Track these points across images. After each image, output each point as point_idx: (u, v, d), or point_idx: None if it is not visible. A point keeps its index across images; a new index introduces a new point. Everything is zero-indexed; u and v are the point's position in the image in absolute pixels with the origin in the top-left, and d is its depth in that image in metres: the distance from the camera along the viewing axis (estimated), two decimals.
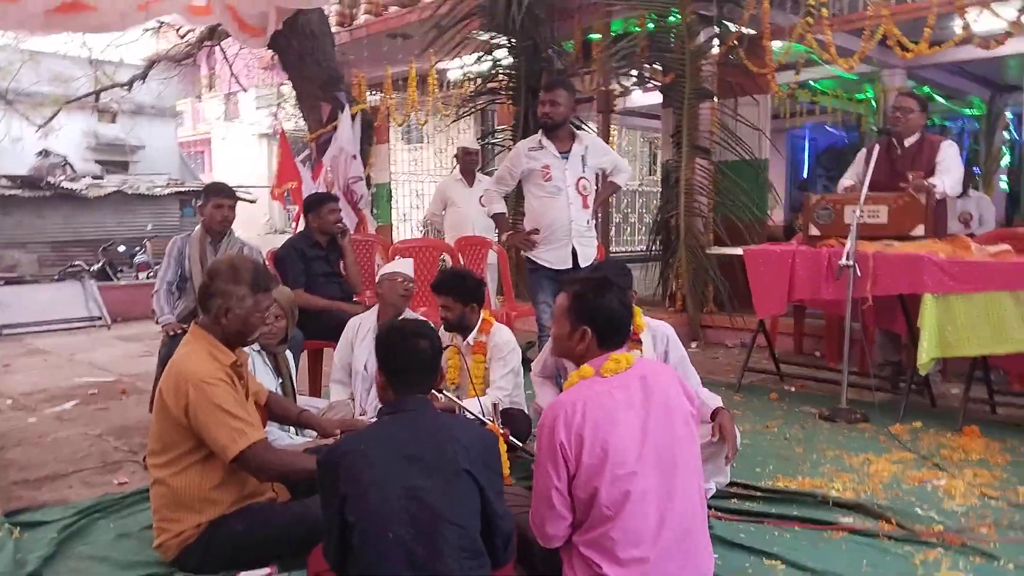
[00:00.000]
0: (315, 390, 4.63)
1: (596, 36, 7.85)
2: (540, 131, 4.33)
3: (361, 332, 3.86)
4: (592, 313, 2.27)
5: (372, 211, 8.54)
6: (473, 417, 3.06)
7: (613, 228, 14.21)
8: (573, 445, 2.10)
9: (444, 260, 6.14)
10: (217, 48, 11.13)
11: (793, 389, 4.99)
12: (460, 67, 8.88)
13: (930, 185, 4.31)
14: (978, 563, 2.53)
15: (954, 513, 2.94)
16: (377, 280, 3.96)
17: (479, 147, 6.64)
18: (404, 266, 3.89)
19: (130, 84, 12.12)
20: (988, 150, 12.00)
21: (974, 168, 12.07)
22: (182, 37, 11.03)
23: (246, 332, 2.58)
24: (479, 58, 7.99)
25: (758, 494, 3.15)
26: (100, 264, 11.98)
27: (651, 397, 2.21)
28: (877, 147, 4.44)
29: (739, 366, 5.10)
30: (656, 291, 7.34)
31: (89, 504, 3.20)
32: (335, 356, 4.01)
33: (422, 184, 12.32)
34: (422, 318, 3.72)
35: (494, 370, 3.63)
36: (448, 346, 3.59)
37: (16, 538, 2.87)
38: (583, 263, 4.25)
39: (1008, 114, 11.76)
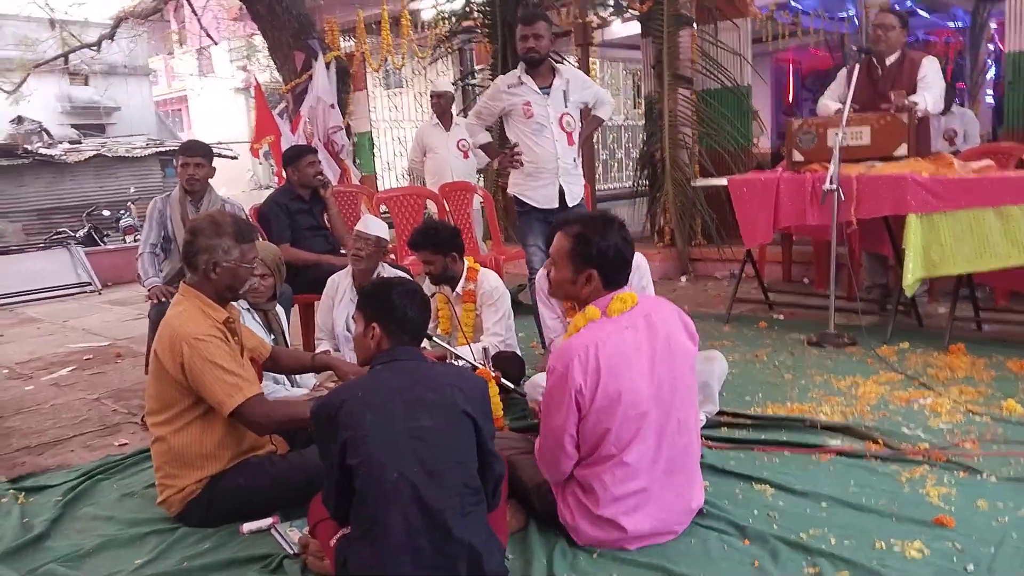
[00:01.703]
0: (308, 343, 4.65)
1: None
2: (520, 67, 4.25)
3: (339, 293, 3.84)
4: (598, 254, 2.24)
5: (355, 161, 8.44)
6: (464, 363, 3.09)
7: (600, 165, 14.11)
8: (588, 389, 2.12)
9: (428, 209, 6.11)
10: (185, 2, 10.84)
11: (782, 317, 5.03)
12: (433, 6, 8.67)
13: (912, 103, 4.28)
14: (962, 477, 2.59)
15: (939, 431, 3.00)
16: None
17: (450, 89, 6.52)
18: (366, 224, 3.79)
19: (99, 44, 11.87)
20: (973, 63, 11.86)
21: (958, 84, 11.96)
22: None
23: (236, 284, 2.59)
24: None
25: (748, 422, 3.20)
26: (86, 229, 11.87)
27: (656, 335, 2.25)
28: (858, 67, 4.38)
29: (729, 297, 5.12)
30: (644, 227, 7.33)
31: (92, 466, 3.25)
32: (317, 317, 4.01)
33: (404, 131, 12.15)
34: (402, 273, 3.73)
35: (486, 317, 3.65)
36: (434, 293, 3.60)
37: (22, 503, 2.93)
38: (571, 202, 4.22)
39: (993, 24, 11.59)
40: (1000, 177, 3.81)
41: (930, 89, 4.41)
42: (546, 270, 2.53)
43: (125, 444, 3.59)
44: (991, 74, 11.88)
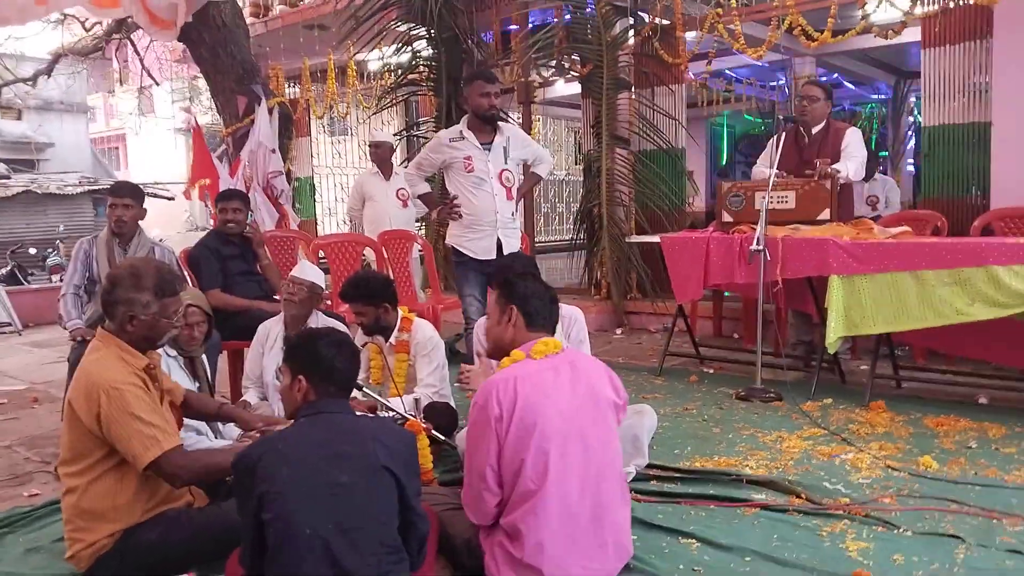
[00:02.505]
0: (236, 391, 4.53)
1: (515, 27, 7.88)
2: (463, 121, 4.33)
3: (270, 340, 3.78)
4: (520, 294, 2.45)
5: (294, 206, 8.40)
6: (395, 414, 3.06)
7: (541, 218, 14.32)
8: (504, 418, 2.19)
9: (365, 257, 6.09)
10: (127, 41, 10.73)
11: (712, 371, 5.14)
12: (380, 58, 8.77)
13: (835, 171, 4.49)
14: (880, 531, 2.66)
15: (860, 485, 3.08)
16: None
17: (388, 140, 6.58)
18: (302, 269, 3.77)
19: (34, 79, 11.62)
20: (895, 133, 12.52)
21: (881, 153, 12.58)
22: (88, 30, 10.60)
23: (154, 337, 2.52)
24: (398, 49, 7.92)
25: (676, 475, 3.23)
26: (9, 268, 11.45)
27: (579, 381, 2.32)
28: (784, 135, 4.59)
29: (661, 351, 5.21)
30: (582, 279, 7.43)
31: None
32: (246, 364, 3.93)
33: (347, 176, 12.14)
34: (334, 322, 3.69)
35: (420, 368, 3.63)
36: (367, 343, 3.58)
37: None
38: (507, 253, 4.27)
39: (913, 99, 12.28)
40: (916, 243, 4.00)
41: (852, 158, 4.64)
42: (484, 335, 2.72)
43: (36, 495, 3.42)
44: (912, 144, 12.53)
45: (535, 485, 2.18)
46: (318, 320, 3.77)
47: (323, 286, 3.81)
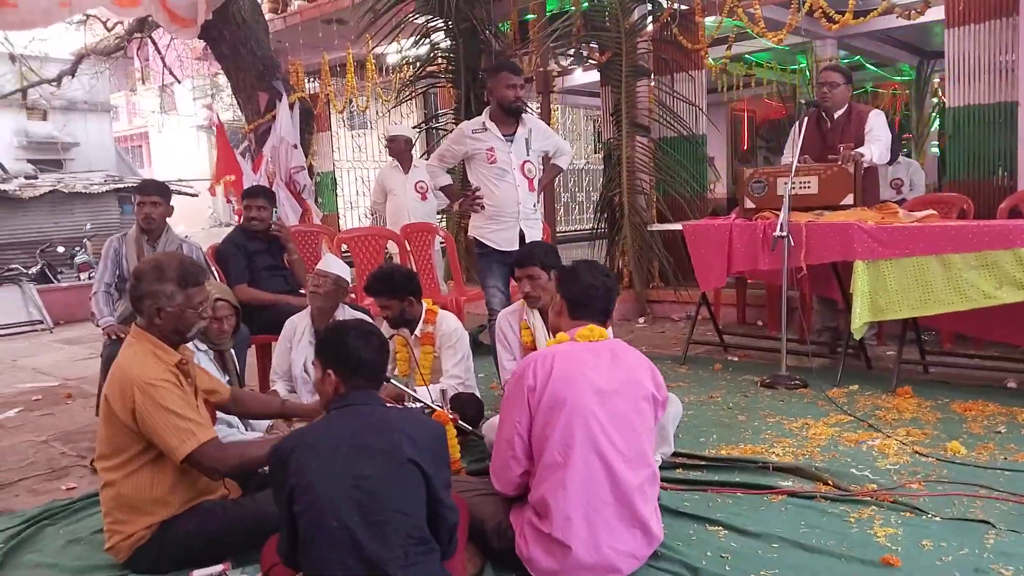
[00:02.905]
0: (264, 385, 4.60)
1: (532, 16, 7.86)
2: (485, 112, 4.34)
3: (297, 334, 3.83)
4: (567, 285, 2.58)
5: (316, 200, 8.46)
6: (422, 404, 3.10)
7: (561, 207, 14.31)
8: (539, 389, 2.29)
9: (388, 250, 6.13)
10: (148, 40, 10.84)
11: (736, 359, 5.13)
12: (398, 51, 8.80)
13: (858, 155, 4.45)
14: (908, 517, 2.66)
15: (887, 471, 3.07)
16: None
17: (403, 133, 6.61)
18: (327, 263, 3.81)
19: (59, 80, 11.78)
20: (918, 115, 12.34)
21: (905, 134, 12.41)
22: (110, 30, 10.72)
23: (183, 329, 2.56)
24: (416, 42, 7.93)
25: (702, 463, 3.25)
26: (39, 266, 11.64)
27: (618, 367, 2.38)
28: (806, 120, 4.55)
29: (685, 339, 5.21)
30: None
31: (36, 512, 3.16)
32: (274, 358, 3.98)
33: (367, 170, 12.21)
34: (361, 315, 3.74)
35: (445, 359, 3.67)
36: (392, 335, 3.61)
37: None
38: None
39: (936, 79, 12.10)
40: (942, 226, 3.96)
41: (876, 142, 4.59)
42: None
43: (73, 488, 3.50)
44: (935, 126, 12.35)
45: (562, 458, 2.24)
46: (344, 313, 3.81)
47: (348, 279, 3.85)
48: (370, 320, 3.69)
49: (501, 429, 2.39)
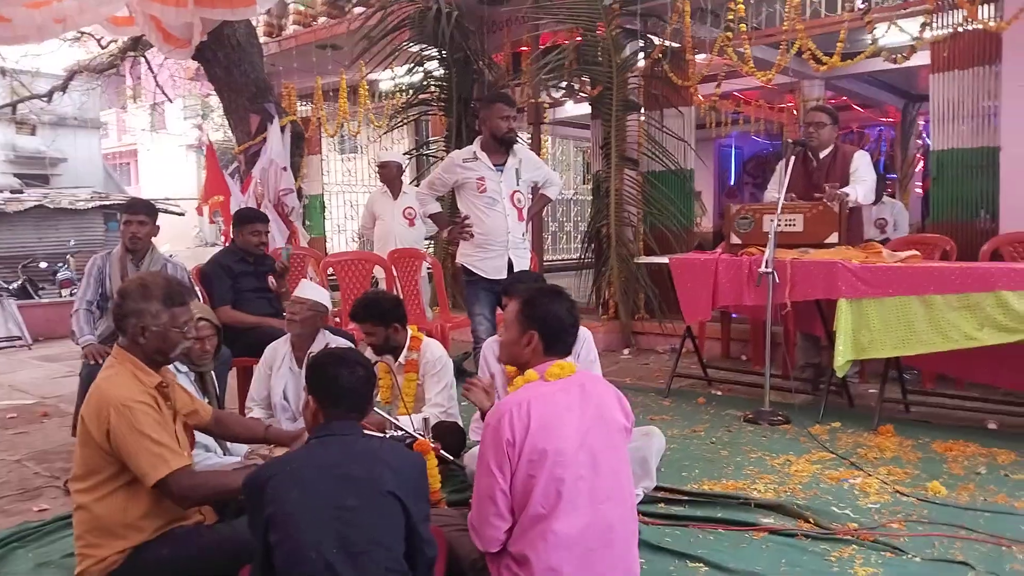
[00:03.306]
0: (244, 408, 4.56)
1: (525, 48, 7.95)
2: (476, 142, 4.37)
3: (277, 361, 3.80)
4: (541, 318, 2.36)
5: (304, 223, 8.46)
6: (404, 432, 3.07)
7: (549, 237, 14.37)
8: (518, 442, 2.15)
9: (375, 275, 6.12)
10: (142, 58, 10.86)
11: (720, 393, 5.13)
12: (391, 78, 8.87)
13: (843, 195, 4.50)
14: (888, 557, 2.66)
15: (868, 510, 3.07)
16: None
17: (395, 159, 6.64)
18: (303, 289, 3.79)
19: (49, 95, 11.76)
20: (904, 156, 12.51)
21: (890, 175, 12.58)
22: (104, 47, 10.74)
23: (167, 349, 2.53)
24: (410, 69, 8.00)
25: (684, 498, 3.23)
26: (20, 282, 11.52)
27: (588, 403, 2.29)
28: (793, 159, 4.61)
29: (669, 372, 5.21)
30: (590, 299, 7.45)
31: (6, 533, 3.10)
32: (252, 384, 3.94)
33: (357, 195, 12.23)
34: (342, 341, 3.72)
35: (428, 387, 3.65)
36: (376, 362, 3.59)
37: None
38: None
39: (921, 121, 12.30)
40: (925, 267, 4.01)
41: (861, 182, 4.65)
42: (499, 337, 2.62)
43: (45, 510, 3.44)
44: (920, 167, 12.53)
45: (545, 510, 2.15)
46: (325, 338, 3.79)
47: (327, 304, 3.82)
48: (352, 345, 3.69)
49: (480, 484, 2.24)
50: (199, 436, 3.10)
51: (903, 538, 2.78)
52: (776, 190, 5.00)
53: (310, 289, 3.78)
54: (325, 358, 2.27)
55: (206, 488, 2.45)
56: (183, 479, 2.38)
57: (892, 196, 9.07)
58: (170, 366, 2.71)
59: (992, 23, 5.20)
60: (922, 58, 5.91)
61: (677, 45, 6.69)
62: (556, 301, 2.40)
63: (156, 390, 2.48)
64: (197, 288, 4.54)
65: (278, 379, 3.76)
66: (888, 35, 5.66)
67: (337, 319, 5.78)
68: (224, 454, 3.33)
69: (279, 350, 3.82)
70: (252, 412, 3.81)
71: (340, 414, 2.16)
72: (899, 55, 5.57)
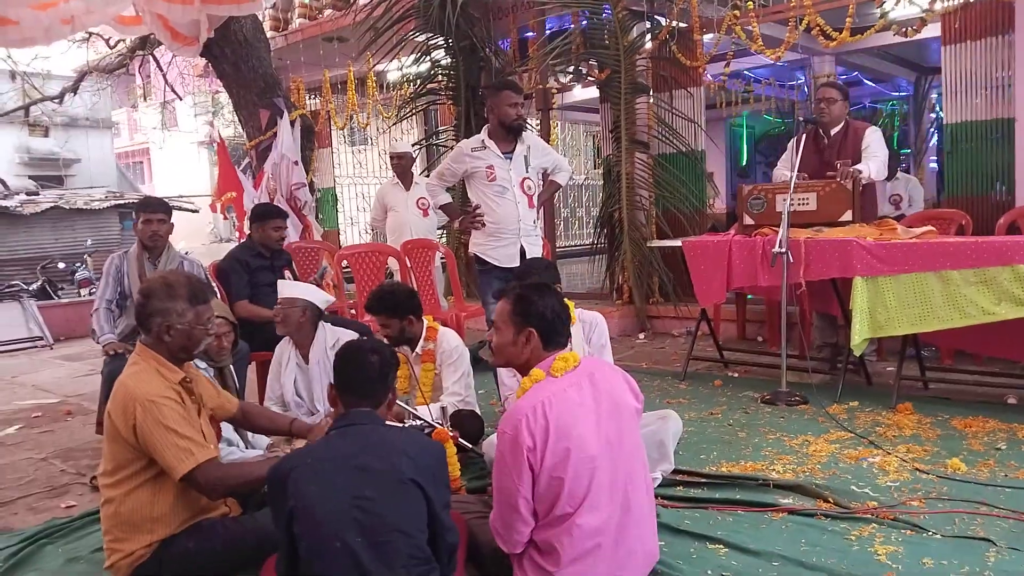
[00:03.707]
0: (263, 402, 4.60)
1: (531, 34, 7.92)
2: (484, 130, 4.37)
3: (285, 358, 3.84)
4: (538, 314, 2.33)
5: (317, 217, 8.50)
6: (422, 421, 3.10)
7: (561, 223, 14.34)
8: (538, 447, 2.13)
9: (389, 266, 6.15)
10: (150, 57, 10.91)
11: (736, 375, 5.13)
12: (398, 69, 8.86)
13: (856, 172, 4.47)
14: (908, 535, 2.65)
15: (887, 489, 3.07)
16: None
17: (409, 150, 6.66)
18: (282, 288, 3.82)
19: (61, 97, 11.85)
20: (917, 131, 12.38)
21: (904, 150, 12.46)
22: (112, 47, 10.79)
23: (191, 346, 2.58)
24: (417, 59, 7.99)
25: (703, 480, 3.24)
26: (39, 282, 11.66)
27: (599, 392, 2.28)
28: (804, 136, 4.58)
29: (685, 355, 5.21)
30: (604, 284, 7.44)
31: (35, 530, 3.15)
32: (267, 382, 3.98)
33: (368, 186, 12.26)
34: (351, 333, 3.75)
35: (445, 376, 3.67)
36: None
37: None
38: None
39: (934, 95, 12.16)
40: (940, 243, 3.97)
41: (874, 158, 4.61)
42: (489, 339, 2.58)
43: (72, 506, 3.50)
44: (934, 141, 12.40)
45: (572, 508, 2.15)
46: (325, 332, 3.81)
47: (314, 299, 3.80)
48: (359, 336, 3.73)
49: (501, 491, 2.21)
50: (223, 430, 3.14)
51: (923, 516, 2.78)
52: (786, 168, 4.97)
53: (292, 288, 3.81)
54: (343, 349, 2.31)
55: (233, 479, 2.49)
56: (210, 471, 2.43)
57: (907, 171, 8.98)
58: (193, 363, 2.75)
59: None
60: (933, 30, 5.84)
61: (684, 25, 6.65)
62: (547, 296, 2.39)
63: (180, 385, 2.52)
64: (214, 284, 4.58)
65: (287, 376, 3.81)
66: (898, 8, 5.61)
67: (353, 311, 5.83)
68: (247, 448, 3.38)
69: (285, 348, 3.86)
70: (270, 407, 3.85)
71: (355, 402, 2.19)
72: (909, 28, 5.51)
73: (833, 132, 4.82)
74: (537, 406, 2.16)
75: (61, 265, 12.99)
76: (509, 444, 2.16)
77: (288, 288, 3.82)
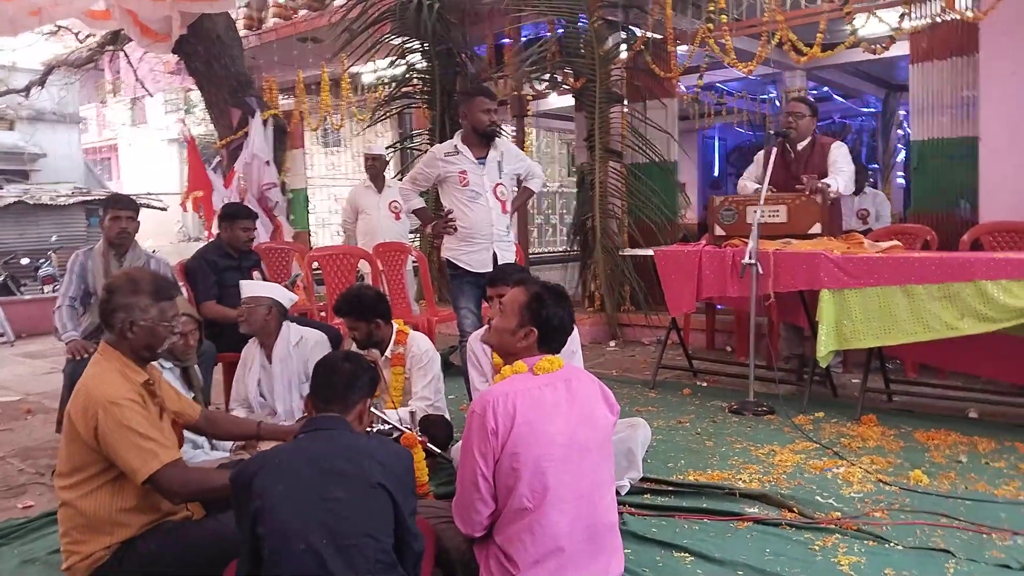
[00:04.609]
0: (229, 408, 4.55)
1: (508, 40, 7.94)
2: (457, 135, 4.36)
3: (250, 359, 3.81)
4: (545, 319, 2.38)
5: (288, 218, 8.42)
6: (390, 426, 3.08)
7: (534, 229, 14.37)
8: (500, 433, 2.17)
9: (360, 269, 6.11)
10: (121, 52, 10.75)
11: (705, 384, 5.16)
12: (373, 71, 8.83)
13: (825, 186, 4.53)
14: (871, 546, 2.69)
15: (851, 499, 3.10)
16: None
17: (384, 153, 6.63)
18: (245, 288, 3.81)
19: (27, 90, 11.64)
20: (885, 147, 12.61)
21: (872, 165, 12.67)
22: (81, 41, 10.62)
23: (155, 343, 2.53)
24: (392, 62, 7.97)
25: (670, 488, 3.25)
26: (2, 278, 11.41)
27: (575, 400, 2.31)
28: (774, 150, 4.64)
29: (654, 364, 5.24)
30: (576, 291, 7.47)
31: None
32: (233, 385, 3.94)
33: (340, 188, 12.19)
34: (317, 333, 3.73)
35: (415, 380, 3.65)
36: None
37: None
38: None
39: (902, 112, 12.39)
40: (906, 258, 4.04)
41: (840, 173, 4.68)
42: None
43: (30, 506, 3.43)
44: (901, 157, 12.63)
45: (531, 504, 2.17)
46: (289, 331, 3.77)
47: (278, 298, 3.77)
48: (326, 337, 3.75)
49: (464, 470, 2.27)
50: (187, 433, 3.09)
51: (885, 527, 2.82)
52: (750, 180, 5.03)
53: (256, 287, 3.79)
54: (325, 355, 2.35)
55: (195, 485, 2.45)
56: (174, 474, 2.38)
57: (874, 187, 9.13)
58: (156, 362, 2.70)
59: (969, 13, 5.25)
60: (902, 48, 5.96)
61: (659, 37, 6.71)
62: (560, 305, 2.44)
63: (143, 387, 2.47)
64: (181, 284, 4.51)
65: (251, 377, 3.76)
66: (867, 25, 5.71)
67: (323, 313, 5.78)
68: (212, 449, 3.33)
69: (252, 349, 3.82)
70: (234, 410, 3.80)
71: (323, 407, 2.20)
72: (879, 45, 5.61)
73: (800, 146, 4.88)
74: (509, 394, 2.22)
75: (25, 261, 12.72)
76: (477, 422, 2.21)
77: (252, 287, 3.80)
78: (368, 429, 3.04)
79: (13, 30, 5.24)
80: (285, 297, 3.80)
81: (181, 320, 3.24)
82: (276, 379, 3.71)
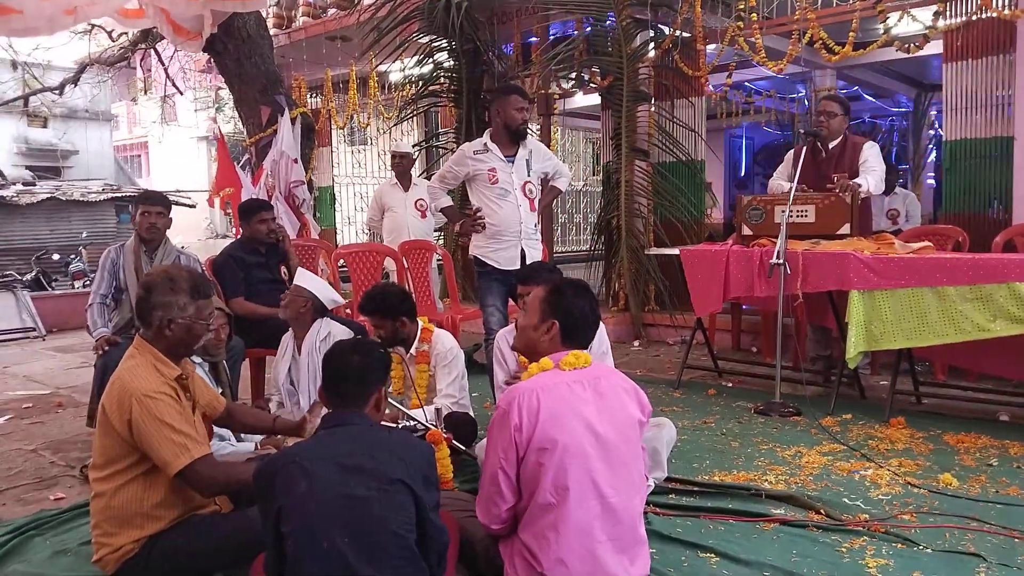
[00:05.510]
0: (258, 397, 4.60)
1: (535, 39, 7.94)
2: (486, 133, 4.37)
3: (283, 348, 3.92)
4: (566, 309, 2.39)
5: (315, 215, 8.48)
6: (416, 423, 3.09)
7: (559, 228, 14.34)
8: (525, 429, 2.17)
9: (385, 267, 6.14)
10: (152, 51, 10.89)
11: (731, 384, 5.13)
12: (401, 70, 8.87)
13: (855, 185, 4.48)
14: (899, 548, 2.66)
15: (879, 502, 3.07)
16: None
17: (411, 151, 6.66)
18: (301, 278, 3.89)
19: (61, 88, 11.81)
20: (915, 147, 12.43)
21: (902, 165, 12.50)
22: (114, 40, 10.77)
23: (191, 341, 2.56)
24: (419, 61, 8.00)
25: (695, 489, 3.24)
26: (33, 273, 11.60)
27: (603, 398, 2.30)
28: (804, 149, 4.59)
29: (680, 364, 5.21)
30: (600, 290, 7.44)
31: (23, 522, 3.13)
32: (272, 372, 4.02)
33: (366, 186, 12.25)
34: (347, 331, 3.76)
35: (440, 378, 3.67)
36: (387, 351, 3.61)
37: None
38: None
39: (934, 112, 12.21)
40: (937, 258, 3.98)
41: (872, 172, 4.63)
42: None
43: (61, 498, 3.48)
44: (932, 158, 12.45)
45: (555, 499, 2.17)
46: (319, 327, 3.82)
47: (323, 298, 3.84)
48: (348, 330, 3.78)
49: (487, 464, 2.28)
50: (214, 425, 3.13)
51: (914, 530, 2.79)
52: (782, 179, 4.99)
53: (307, 279, 3.87)
54: (331, 348, 2.31)
55: (225, 479, 2.48)
56: (205, 468, 2.41)
57: (904, 187, 9.01)
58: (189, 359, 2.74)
59: (1006, 11, 5.16)
60: (935, 47, 5.87)
61: (688, 35, 6.67)
62: (581, 295, 2.44)
63: (176, 382, 2.51)
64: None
65: (283, 365, 3.88)
66: (901, 24, 5.63)
67: (348, 311, 5.82)
68: (238, 441, 3.37)
69: (288, 338, 3.94)
70: (272, 399, 3.95)
71: (336, 402, 2.19)
72: (912, 44, 5.53)
73: (831, 145, 4.83)
74: (535, 390, 2.22)
75: (56, 256, 12.92)
76: (500, 418, 2.23)
77: (305, 278, 3.89)
78: (394, 424, 3.07)
79: (50, 29, 5.30)
80: (327, 296, 3.86)
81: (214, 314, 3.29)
82: (302, 371, 3.77)
